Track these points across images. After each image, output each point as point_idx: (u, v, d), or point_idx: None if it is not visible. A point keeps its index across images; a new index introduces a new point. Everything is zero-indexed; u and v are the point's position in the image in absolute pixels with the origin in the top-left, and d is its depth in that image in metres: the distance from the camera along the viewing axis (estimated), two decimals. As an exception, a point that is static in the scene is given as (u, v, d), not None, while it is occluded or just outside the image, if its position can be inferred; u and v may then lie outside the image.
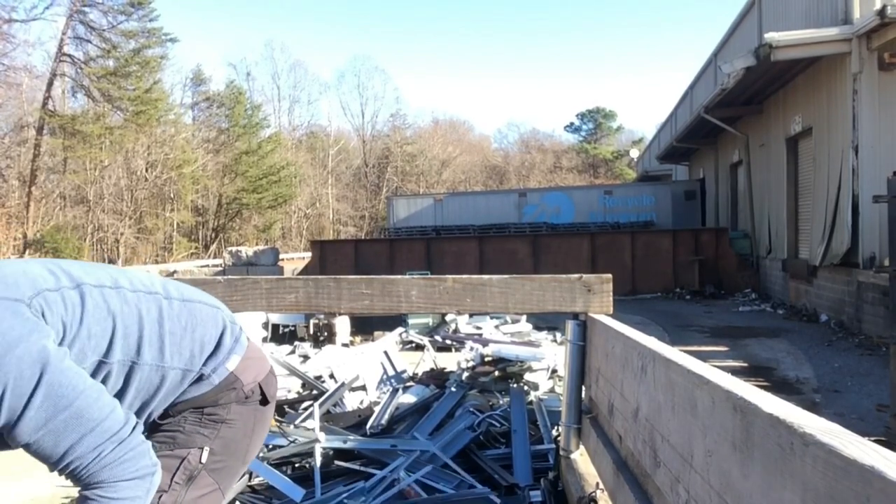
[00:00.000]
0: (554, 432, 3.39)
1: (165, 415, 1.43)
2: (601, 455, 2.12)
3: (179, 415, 1.44)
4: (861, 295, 9.13)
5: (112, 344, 1.31)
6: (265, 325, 8.41)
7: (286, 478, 2.91)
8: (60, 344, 1.23)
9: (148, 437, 1.42)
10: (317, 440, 3.19)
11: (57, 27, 27.33)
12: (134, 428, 1.27)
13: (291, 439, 3.32)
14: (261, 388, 1.52)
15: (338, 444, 3.20)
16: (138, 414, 1.39)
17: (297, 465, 3.24)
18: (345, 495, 2.84)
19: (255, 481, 3.02)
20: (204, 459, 1.42)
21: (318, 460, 3.11)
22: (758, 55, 10.29)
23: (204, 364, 1.43)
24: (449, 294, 2.57)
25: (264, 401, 1.54)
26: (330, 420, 3.82)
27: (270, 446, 3.30)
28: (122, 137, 28.70)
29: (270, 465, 3.19)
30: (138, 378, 1.35)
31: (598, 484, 2.15)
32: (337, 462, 3.19)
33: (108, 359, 1.30)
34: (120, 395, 1.34)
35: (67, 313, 1.26)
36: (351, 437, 3.29)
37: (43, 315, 1.22)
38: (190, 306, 1.47)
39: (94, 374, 1.29)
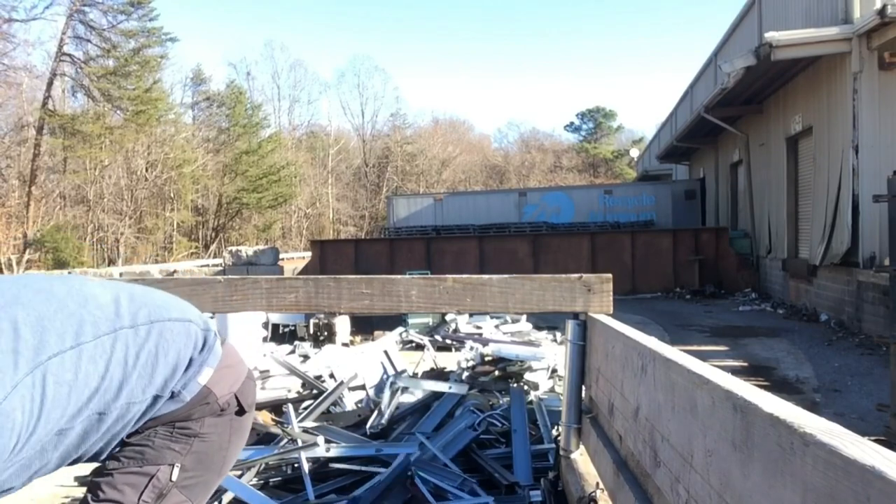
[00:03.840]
0: (554, 432, 3.38)
1: (135, 431, 1.34)
2: (601, 455, 2.12)
3: (149, 429, 1.35)
4: (861, 294, 9.13)
5: (72, 415, 1.20)
6: (265, 325, 8.41)
7: (260, 493, 2.90)
8: (8, 454, 1.09)
9: (116, 452, 1.35)
10: (300, 448, 3.18)
11: (57, 27, 27.38)
12: None
13: (286, 441, 3.32)
14: (237, 399, 1.44)
15: (319, 454, 3.19)
16: (108, 444, 1.32)
17: (296, 466, 3.24)
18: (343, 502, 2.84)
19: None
20: (174, 477, 1.34)
21: (306, 465, 3.10)
22: (758, 55, 10.29)
23: (175, 383, 1.35)
24: (449, 294, 2.57)
25: (241, 411, 1.46)
26: (330, 419, 3.82)
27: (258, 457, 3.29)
28: (122, 137, 28.71)
29: (261, 471, 3.19)
30: (108, 421, 1.27)
31: (598, 484, 2.15)
32: (333, 465, 3.19)
33: (69, 425, 1.20)
34: (86, 438, 1.25)
35: (25, 415, 1.10)
36: (333, 445, 3.28)
37: None
38: (159, 327, 1.34)
39: (56, 438, 1.19)
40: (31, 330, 1.16)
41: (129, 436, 1.34)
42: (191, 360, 1.37)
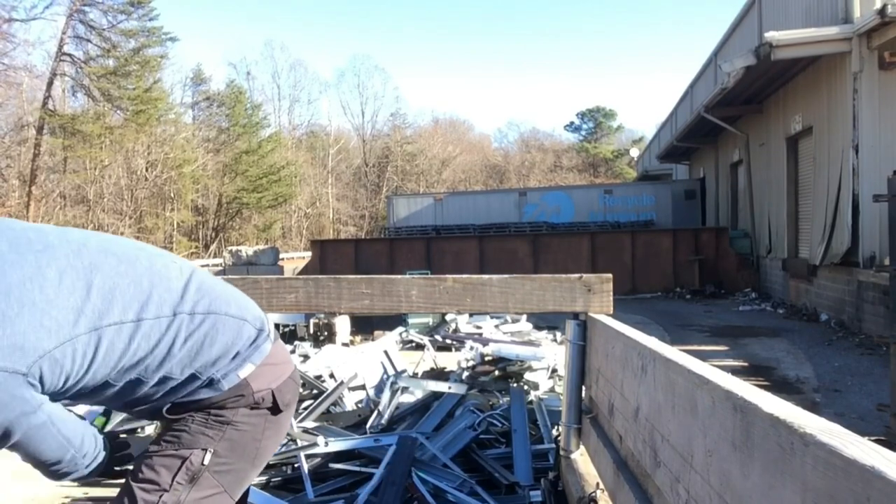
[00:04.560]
0: (554, 432, 3.38)
1: (175, 412, 1.43)
2: (601, 455, 2.12)
3: (187, 413, 1.44)
4: (861, 294, 9.13)
5: (117, 375, 1.33)
6: (265, 325, 8.39)
7: (263, 492, 2.90)
8: (58, 390, 1.27)
9: (159, 435, 1.48)
10: (300, 448, 3.18)
11: (57, 26, 27.36)
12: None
13: (286, 441, 3.32)
14: (273, 396, 1.49)
15: (319, 450, 3.19)
16: (142, 399, 1.42)
17: (296, 466, 3.24)
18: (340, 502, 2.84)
19: None
20: (206, 461, 1.41)
21: (305, 465, 3.10)
22: (758, 54, 10.28)
23: (215, 371, 1.43)
24: (449, 294, 2.57)
25: (276, 409, 1.50)
26: (329, 420, 3.82)
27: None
28: (122, 137, 28.70)
29: (261, 471, 3.19)
30: (144, 388, 1.38)
31: (598, 484, 2.15)
32: (332, 465, 3.18)
33: (115, 382, 1.34)
34: (122, 396, 1.38)
35: (74, 366, 1.26)
36: (332, 439, 3.28)
37: (41, 378, 1.23)
38: (213, 319, 1.43)
39: (95, 388, 1.33)
40: (101, 296, 1.30)
41: (169, 414, 1.44)
42: (235, 356, 1.45)
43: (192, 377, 1.40)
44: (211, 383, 1.42)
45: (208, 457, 1.41)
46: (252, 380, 1.45)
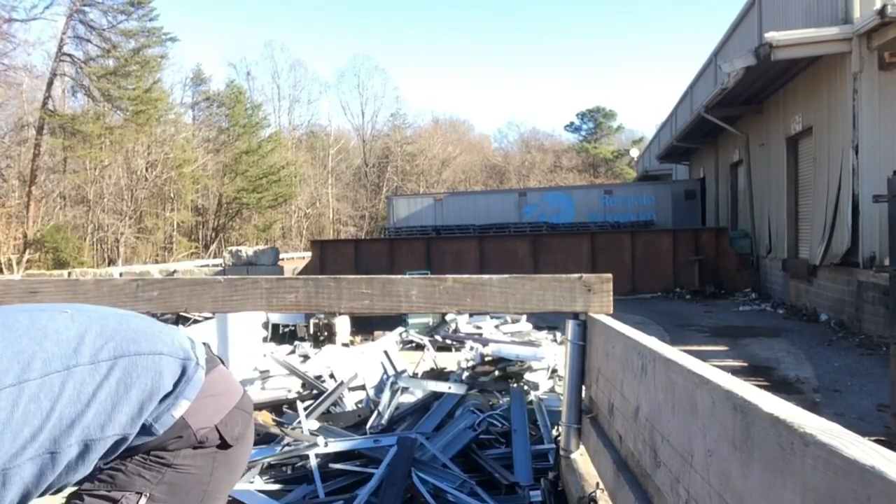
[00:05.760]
0: (554, 432, 3.38)
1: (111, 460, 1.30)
2: (601, 455, 2.12)
3: (126, 457, 1.29)
4: (861, 294, 9.13)
5: (12, 453, 1.12)
6: (265, 325, 8.41)
7: (261, 494, 2.90)
8: None
9: (90, 475, 1.31)
10: (315, 444, 3.19)
11: (57, 27, 27.44)
12: None
13: (286, 442, 3.32)
14: (219, 431, 1.34)
15: (320, 450, 3.19)
16: (84, 475, 1.26)
17: (297, 465, 3.24)
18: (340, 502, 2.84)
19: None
20: None
21: (315, 462, 3.11)
22: (758, 55, 10.29)
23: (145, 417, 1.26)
24: (449, 294, 2.57)
25: (225, 445, 1.35)
26: (329, 420, 3.82)
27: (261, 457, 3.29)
28: (122, 137, 28.74)
29: (265, 468, 3.19)
30: (65, 460, 1.19)
31: (598, 484, 2.15)
32: (333, 465, 3.18)
33: (10, 464, 1.13)
34: (43, 477, 1.18)
35: None
36: (332, 440, 3.28)
37: None
38: (124, 363, 1.25)
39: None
40: None
41: (103, 467, 1.30)
42: (166, 395, 1.29)
43: (123, 438, 1.24)
44: (143, 429, 1.26)
45: (143, 501, 1.27)
46: (190, 417, 1.29)
